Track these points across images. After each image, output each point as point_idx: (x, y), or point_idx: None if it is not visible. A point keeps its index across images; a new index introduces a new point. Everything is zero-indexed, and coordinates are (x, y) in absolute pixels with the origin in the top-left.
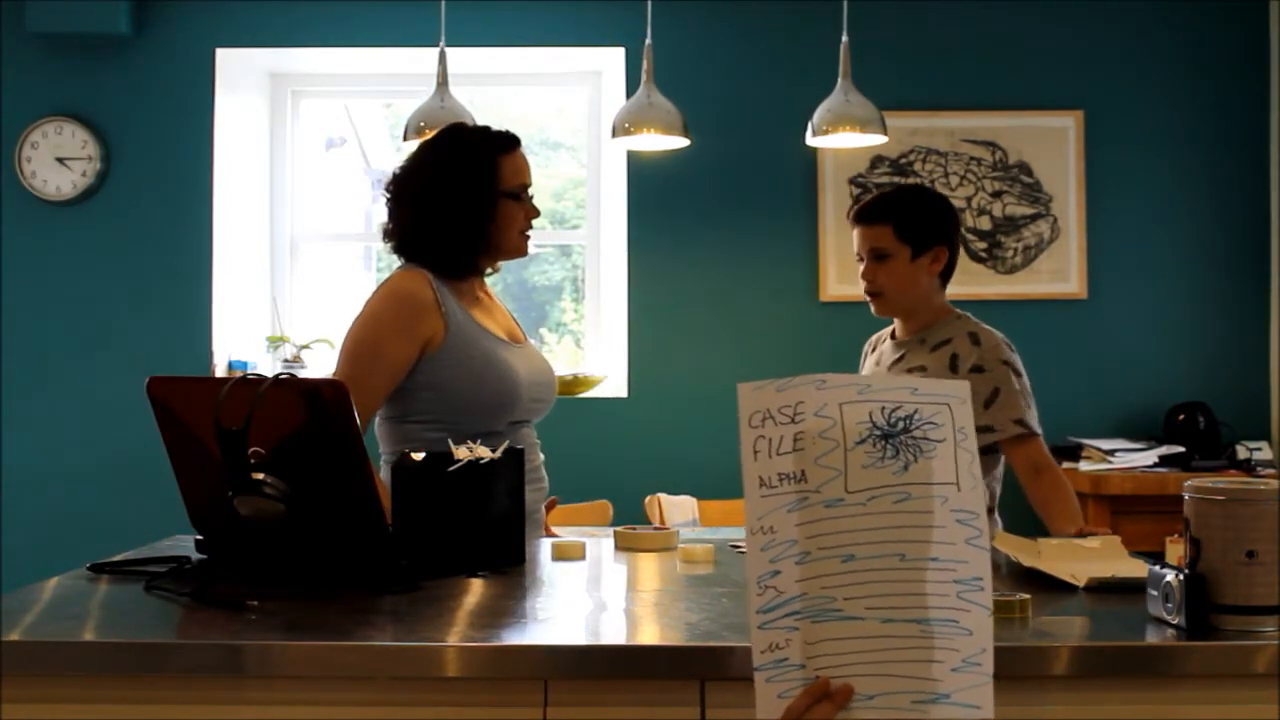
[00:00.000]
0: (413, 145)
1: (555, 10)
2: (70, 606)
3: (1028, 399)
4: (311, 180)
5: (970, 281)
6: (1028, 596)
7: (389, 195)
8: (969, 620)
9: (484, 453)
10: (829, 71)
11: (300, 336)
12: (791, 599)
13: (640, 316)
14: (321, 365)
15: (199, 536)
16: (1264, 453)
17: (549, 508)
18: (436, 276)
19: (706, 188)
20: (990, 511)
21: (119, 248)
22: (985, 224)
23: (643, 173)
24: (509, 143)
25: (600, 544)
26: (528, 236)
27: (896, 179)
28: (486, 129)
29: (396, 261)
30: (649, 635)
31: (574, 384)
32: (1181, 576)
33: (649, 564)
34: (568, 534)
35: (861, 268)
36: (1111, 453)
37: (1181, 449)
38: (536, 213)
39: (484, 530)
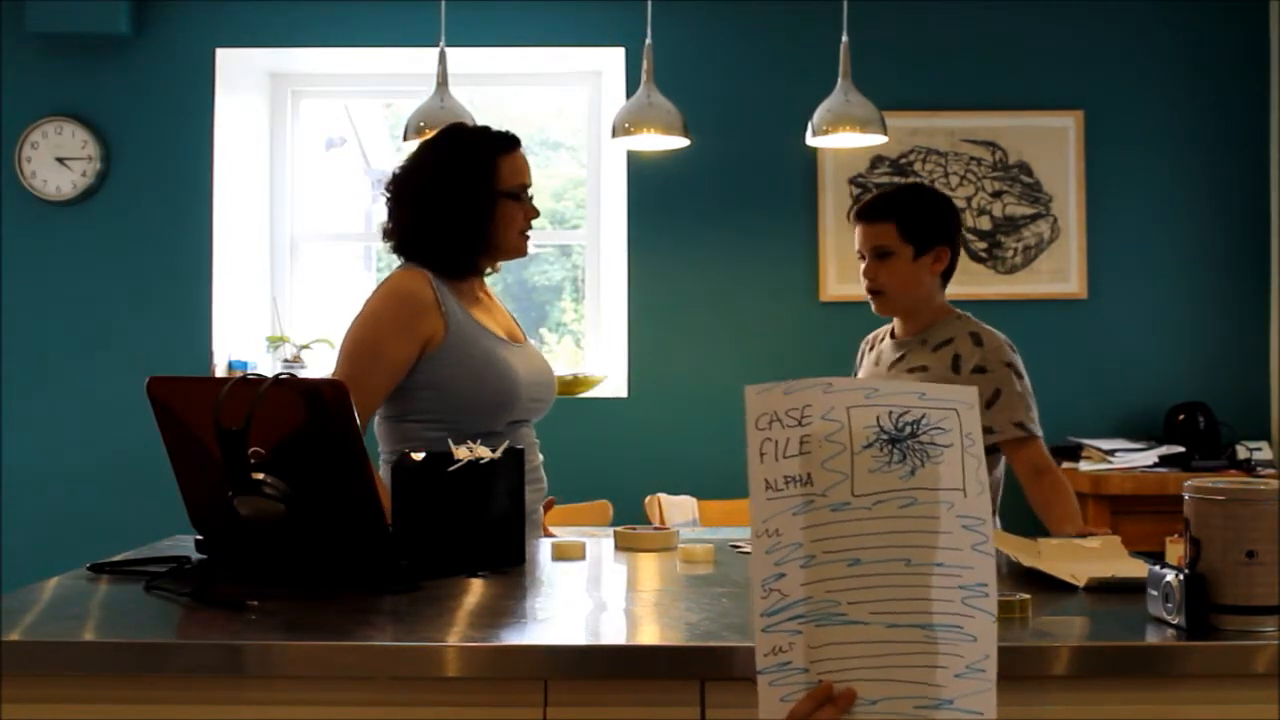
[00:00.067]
0: (413, 145)
1: (555, 10)
2: (70, 606)
3: (1029, 401)
4: (311, 180)
5: (970, 281)
6: (1028, 596)
7: (389, 195)
8: (973, 626)
9: (484, 453)
10: (829, 71)
11: (300, 336)
12: (796, 602)
13: (640, 316)
14: (321, 365)
15: (199, 536)
16: (1264, 453)
17: (546, 508)
18: (436, 276)
19: (706, 188)
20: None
21: (119, 248)
22: (985, 224)
23: (643, 173)
24: (509, 143)
25: (600, 544)
26: (527, 237)
27: (896, 179)
28: (486, 129)
29: (396, 261)
30: (649, 635)
31: (574, 384)
32: (1181, 576)
33: (649, 564)
34: (567, 534)
35: (863, 266)
36: (1111, 453)
37: (1181, 449)
38: (536, 213)
39: (484, 530)
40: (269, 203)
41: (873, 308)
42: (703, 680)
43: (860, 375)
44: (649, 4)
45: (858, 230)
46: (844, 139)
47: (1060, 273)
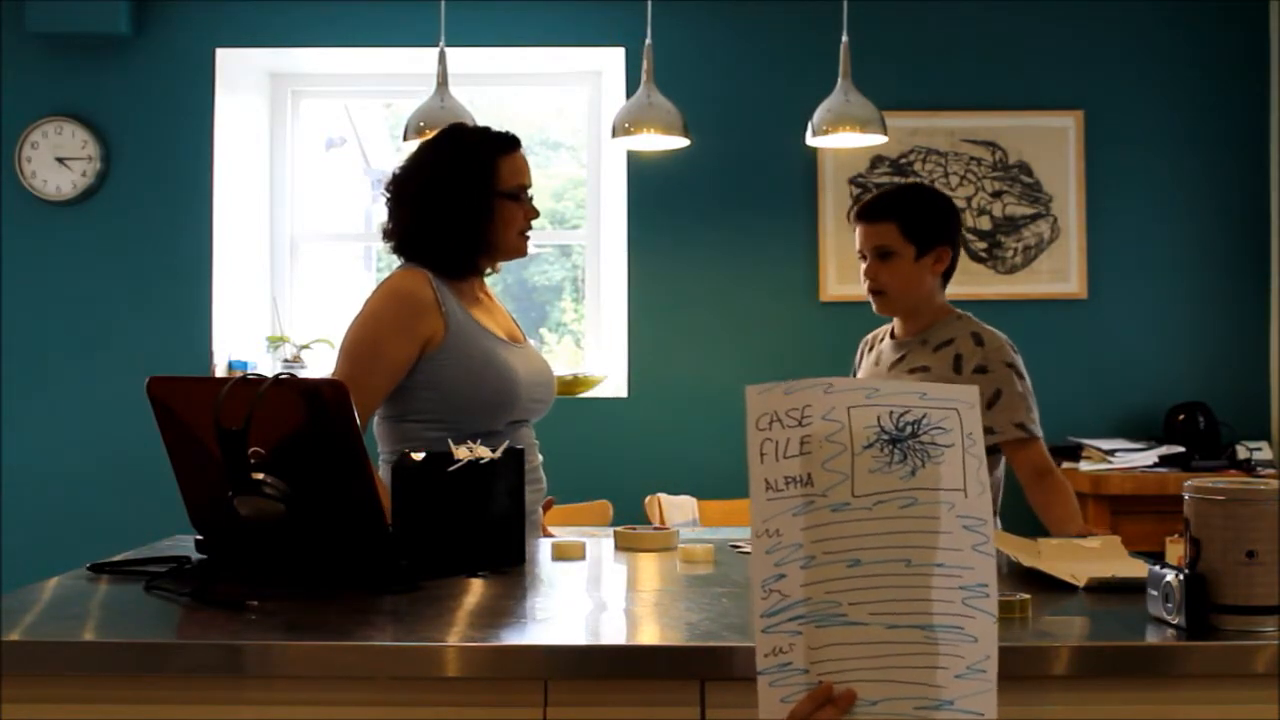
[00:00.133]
0: (413, 145)
1: (555, 10)
2: (70, 606)
3: (1030, 401)
4: (311, 180)
5: (970, 281)
6: (1028, 596)
7: (389, 195)
8: (974, 627)
9: (484, 453)
10: (829, 71)
11: (300, 336)
12: (796, 603)
13: (640, 316)
14: (321, 365)
15: (199, 536)
16: (1264, 453)
17: (545, 508)
18: (436, 276)
19: (706, 188)
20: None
21: (119, 248)
22: (985, 224)
23: (643, 173)
24: (508, 143)
25: (600, 544)
26: (527, 237)
27: (896, 179)
28: (486, 129)
29: (396, 261)
30: (649, 635)
31: (574, 384)
32: (1181, 576)
33: (649, 564)
34: (567, 534)
35: (863, 266)
36: (1111, 453)
37: (1181, 449)
38: (536, 213)
39: (484, 530)
40: (269, 203)
41: (874, 308)
42: (703, 680)
43: (860, 375)
44: (649, 4)
45: (859, 230)
46: (844, 139)
47: (1060, 273)
